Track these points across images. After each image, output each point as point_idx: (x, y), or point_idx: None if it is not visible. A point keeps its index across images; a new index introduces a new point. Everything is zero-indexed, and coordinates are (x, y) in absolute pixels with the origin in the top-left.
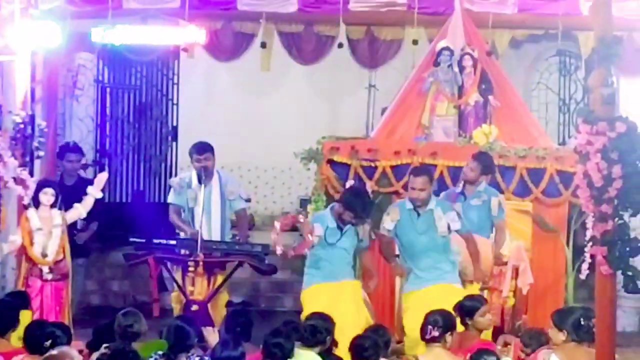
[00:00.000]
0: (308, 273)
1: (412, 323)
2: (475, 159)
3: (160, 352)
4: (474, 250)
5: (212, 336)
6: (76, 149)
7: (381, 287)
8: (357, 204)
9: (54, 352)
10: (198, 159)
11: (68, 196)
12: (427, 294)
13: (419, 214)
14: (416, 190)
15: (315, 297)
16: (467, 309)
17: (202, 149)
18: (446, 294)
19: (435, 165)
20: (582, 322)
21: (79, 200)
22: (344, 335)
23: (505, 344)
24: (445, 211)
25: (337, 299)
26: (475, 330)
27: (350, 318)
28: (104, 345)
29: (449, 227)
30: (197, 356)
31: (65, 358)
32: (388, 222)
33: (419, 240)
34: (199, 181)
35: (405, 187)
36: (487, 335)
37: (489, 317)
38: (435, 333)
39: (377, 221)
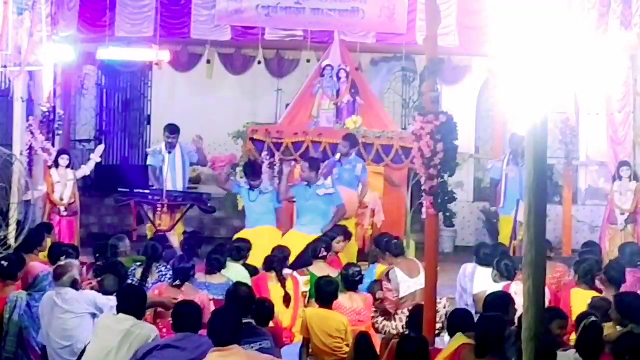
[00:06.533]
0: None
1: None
2: (346, 139)
3: (139, 262)
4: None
5: (173, 238)
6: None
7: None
8: (248, 171)
9: (61, 262)
10: (169, 137)
11: None
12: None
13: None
14: (302, 172)
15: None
16: (330, 238)
17: (174, 131)
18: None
19: (321, 143)
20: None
21: None
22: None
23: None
24: (326, 187)
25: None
26: (334, 253)
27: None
28: (99, 258)
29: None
30: (163, 266)
31: (69, 266)
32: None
33: (305, 205)
34: (167, 150)
35: (301, 156)
36: (353, 256)
37: (342, 245)
38: (325, 253)
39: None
